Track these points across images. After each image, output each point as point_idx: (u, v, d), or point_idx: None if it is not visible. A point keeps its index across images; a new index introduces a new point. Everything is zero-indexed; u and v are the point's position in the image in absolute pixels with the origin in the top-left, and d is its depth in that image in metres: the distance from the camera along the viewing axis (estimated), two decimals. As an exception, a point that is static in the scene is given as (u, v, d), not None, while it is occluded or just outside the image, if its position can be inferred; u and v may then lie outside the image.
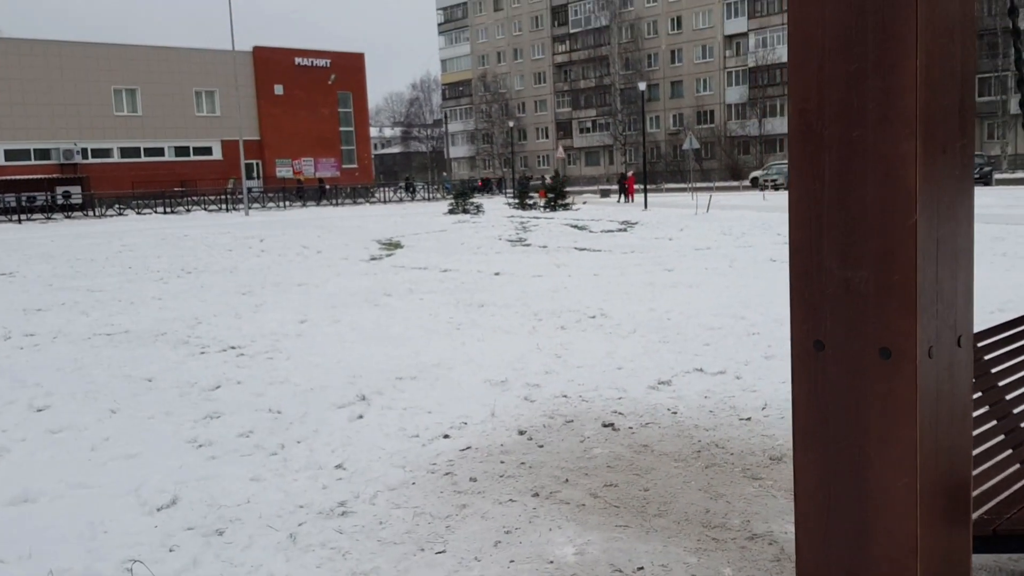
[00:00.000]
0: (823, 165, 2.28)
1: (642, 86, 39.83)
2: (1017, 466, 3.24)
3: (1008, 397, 3.39)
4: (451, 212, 36.28)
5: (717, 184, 58.07)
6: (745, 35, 74.05)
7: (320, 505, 4.47)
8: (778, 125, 71.62)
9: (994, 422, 3.29)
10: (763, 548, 3.77)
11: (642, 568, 3.61)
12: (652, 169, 65.86)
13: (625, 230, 23.18)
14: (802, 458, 2.41)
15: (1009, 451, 3.25)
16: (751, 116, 73.10)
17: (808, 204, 2.32)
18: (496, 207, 42.00)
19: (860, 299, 2.24)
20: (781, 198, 40.88)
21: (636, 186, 46.34)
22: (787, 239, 11.79)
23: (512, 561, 3.73)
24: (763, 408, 5.81)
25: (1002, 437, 3.27)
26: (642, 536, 3.93)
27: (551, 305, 10.61)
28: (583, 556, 3.74)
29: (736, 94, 75.00)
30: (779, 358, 7.19)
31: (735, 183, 64.04)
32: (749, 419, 5.59)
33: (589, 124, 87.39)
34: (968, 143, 2.28)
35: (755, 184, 55.47)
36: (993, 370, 3.41)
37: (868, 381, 2.25)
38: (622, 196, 45.90)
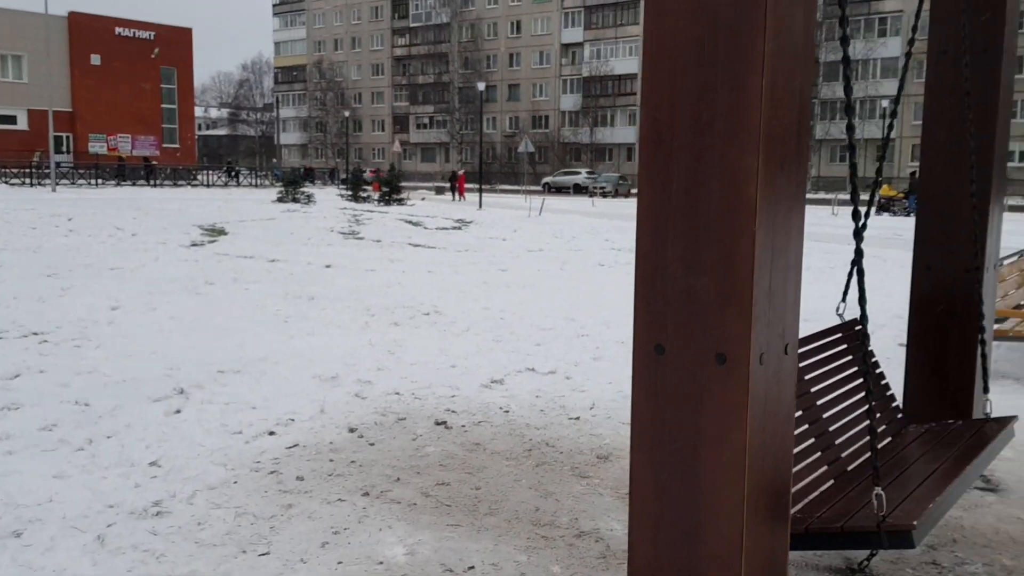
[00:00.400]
0: (672, 174, 2.34)
1: (481, 86, 40.15)
2: (825, 468, 3.47)
3: (819, 403, 3.63)
4: (280, 200, 35.11)
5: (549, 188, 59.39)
6: (581, 45, 76.20)
7: (132, 505, 4.18)
8: (608, 135, 74.16)
9: (806, 426, 3.50)
10: (590, 545, 3.85)
11: (473, 567, 3.60)
12: (487, 170, 66.61)
13: (460, 228, 23.26)
14: (639, 458, 2.47)
15: (818, 454, 3.48)
16: (583, 124, 75.27)
17: (656, 211, 2.37)
18: (328, 198, 41.08)
19: (700, 306, 2.31)
20: (610, 205, 42.37)
21: (470, 185, 46.67)
22: (613, 246, 12.31)
23: (340, 562, 3.62)
24: (591, 408, 5.96)
25: (812, 440, 3.49)
26: (473, 535, 3.92)
27: (384, 301, 10.47)
28: (414, 556, 3.69)
29: (570, 101, 77.02)
30: (606, 360, 7.41)
31: (566, 187, 65.70)
32: (578, 418, 5.72)
33: (426, 120, 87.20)
34: (803, 161, 2.41)
35: (547, 189, 57.71)
36: (805, 377, 3.64)
37: (704, 385, 2.32)
38: (454, 194, 46.18)
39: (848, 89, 2.69)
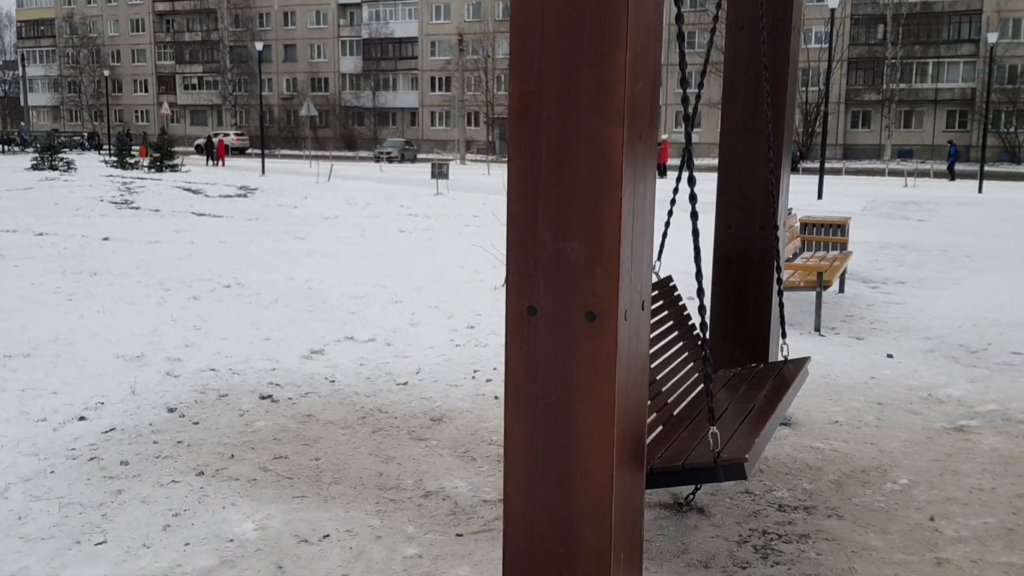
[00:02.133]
0: (541, 144, 2.45)
1: (259, 46, 38.35)
2: (655, 415, 3.77)
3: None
4: (35, 168, 32.06)
5: (334, 153, 58.20)
6: (359, 6, 74.59)
7: (-65, 506, 3.81)
8: (391, 99, 73.40)
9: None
10: (438, 504, 3.96)
11: (328, 535, 3.61)
12: (266, 134, 64.03)
13: (245, 196, 22.34)
14: (512, 414, 2.60)
15: (649, 401, 3.77)
16: (365, 88, 74.01)
17: (526, 180, 2.49)
18: (90, 165, 37.99)
19: (570, 268, 2.46)
20: (397, 170, 42.16)
21: (251, 151, 44.74)
22: (410, 211, 12.52)
23: (187, 544, 3.51)
24: (417, 373, 6.04)
25: (644, 389, 3.77)
26: (322, 504, 3.92)
27: (178, 274, 9.95)
28: (265, 530, 3.64)
29: (350, 64, 75.37)
30: (424, 325, 7.51)
31: (351, 153, 64.67)
32: (406, 383, 5.79)
33: (195, 81, 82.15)
34: (654, 131, 2.61)
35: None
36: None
37: (575, 342, 2.48)
38: (209, 160, 44.13)
39: (683, 63, 2.92)
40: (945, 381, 5.90)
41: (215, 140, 44.84)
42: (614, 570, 2.56)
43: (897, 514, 3.84)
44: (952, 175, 39.40)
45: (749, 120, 4.71)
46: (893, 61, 56.58)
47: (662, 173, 38.30)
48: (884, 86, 57.19)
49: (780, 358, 4.58)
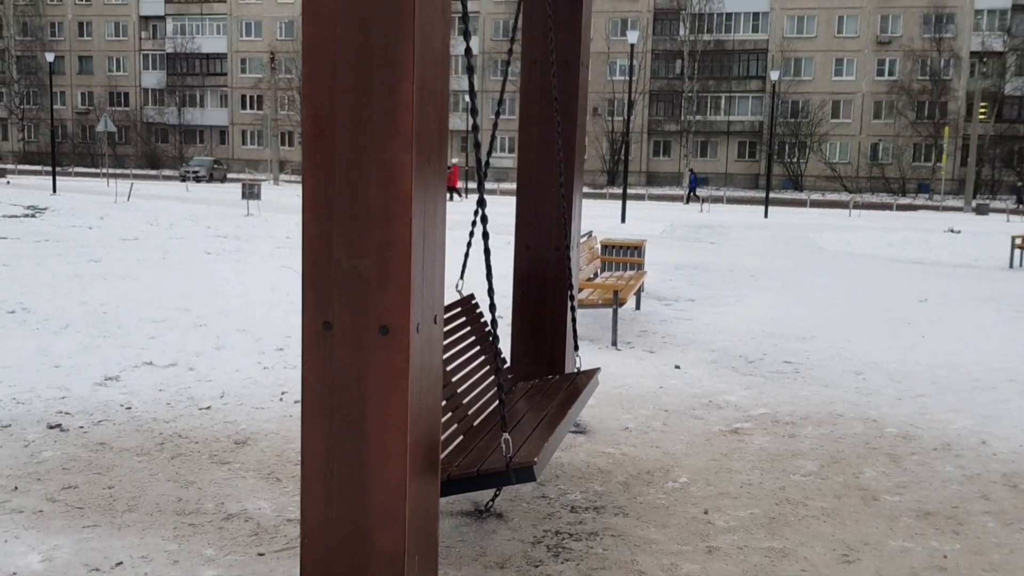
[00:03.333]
0: (334, 167, 2.57)
1: (50, 57, 35.91)
2: (456, 426, 3.94)
3: (448, 368, 4.09)
4: None
5: (134, 172, 55.19)
6: (163, 18, 71.37)
7: None
8: (198, 115, 70.57)
9: (439, 390, 3.94)
10: (240, 525, 3.94)
11: (121, 563, 3.51)
12: (59, 150, 59.73)
13: (34, 215, 20.81)
14: (310, 430, 2.69)
15: (450, 413, 3.94)
16: (170, 103, 70.75)
17: (321, 201, 2.60)
18: None
19: (364, 284, 2.59)
20: (206, 190, 40.57)
21: (41, 168, 41.57)
22: (218, 233, 12.27)
23: (-37, 582, 3.32)
24: (221, 396, 5.92)
25: (444, 401, 3.94)
26: (115, 533, 3.80)
27: (-46, 298, 9.19)
28: (52, 562, 3.49)
29: (153, 79, 71.83)
30: (230, 348, 7.34)
31: (154, 172, 61.55)
32: (209, 408, 5.67)
33: (-24, 92, 75.56)
34: (444, 155, 2.78)
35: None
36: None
37: (370, 355, 2.61)
38: None
39: (472, 94, 3.13)
40: (724, 389, 6.45)
41: None
42: (408, 573, 2.68)
43: (676, 509, 4.20)
44: (688, 200, 42.94)
45: (543, 147, 5.01)
46: (690, 94, 60.58)
47: (451, 196, 39.40)
48: (682, 117, 61.07)
49: (575, 369, 4.88)
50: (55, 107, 69.73)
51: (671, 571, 3.56)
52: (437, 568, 3.01)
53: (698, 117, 61.17)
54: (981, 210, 39.58)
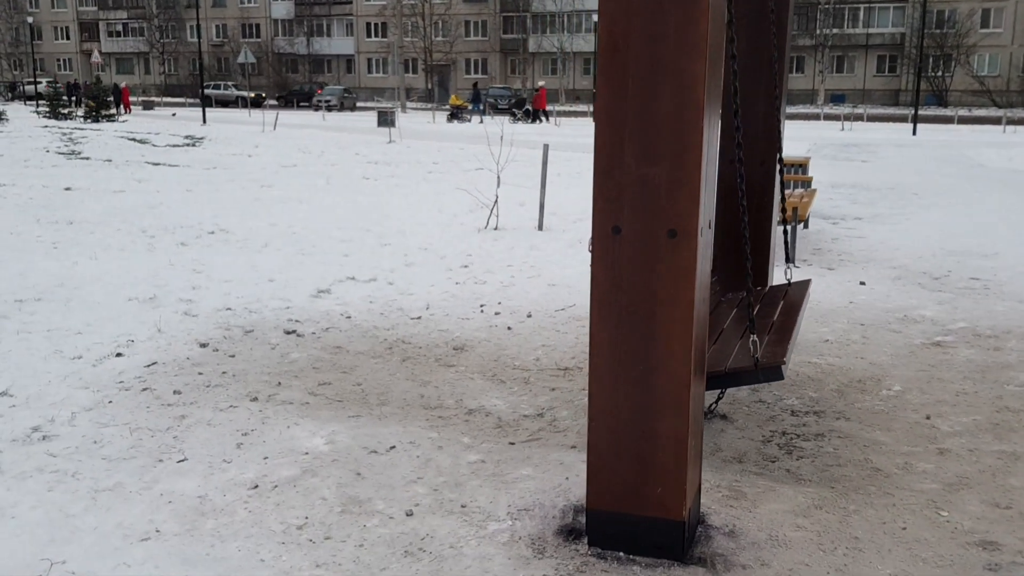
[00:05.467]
0: (627, 79, 2.76)
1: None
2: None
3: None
4: (-37, 118, 30.84)
5: (271, 102, 57.06)
6: (290, -50, 72.51)
7: (9, 433, 4.01)
8: (326, 45, 71.95)
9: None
10: (483, 419, 4.30)
11: (394, 447, 3.93)
12: (196, 82, 62.22)
13: (194, 145, 22.00)
14: (598, 323, 2.94)
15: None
16: (298, 33, 72.32)
17: (613, 111, 2.80)
18: (21, 115, 36.68)
19: (654, 190, 2.79)
20: (339, 119, 41.61)
21: (188, 101, 43.37)
22: (368, 159, 12.76)
23: (266, 458, 3.80)
24: (427, 308, 6.33)
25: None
26: (378, 422, 4.23)
27: (156, 221, 9.99)
28: (335, 444, 3.94)
29: (282, 9, 73.41)
30: (419, 265, 7.77)
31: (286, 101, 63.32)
32: (420, 318, 6.08)
33: (120, 28, 79.16)
34: (723, 68, 2.92)
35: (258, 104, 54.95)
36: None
37: (658, 256, 2.82)
38: (118, 108, 39.81)
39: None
40: (916, 304, 6.43)
41: (120, 87, 43.21)
42: (690, 459, 2.94)
43: (896, 415, 4.32)
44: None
45: (752, 58, 5.05)
46: (826, 6, 57.54)
47: (535, 118, 38.95)
48: (818, 31, 58.20)
49: (785, 281, 4.99)
50: (190, 39, 72.47)
51: (906, 468, 3.71)
52: (702, 455, 3.26)
53: (835, 30, 58.14)
54: None
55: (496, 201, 9.95)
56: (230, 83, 60.23)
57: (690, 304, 2.83)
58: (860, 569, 2.92)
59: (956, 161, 19.48)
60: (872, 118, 43.35)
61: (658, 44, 2.72)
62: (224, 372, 4.90)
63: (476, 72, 67.63)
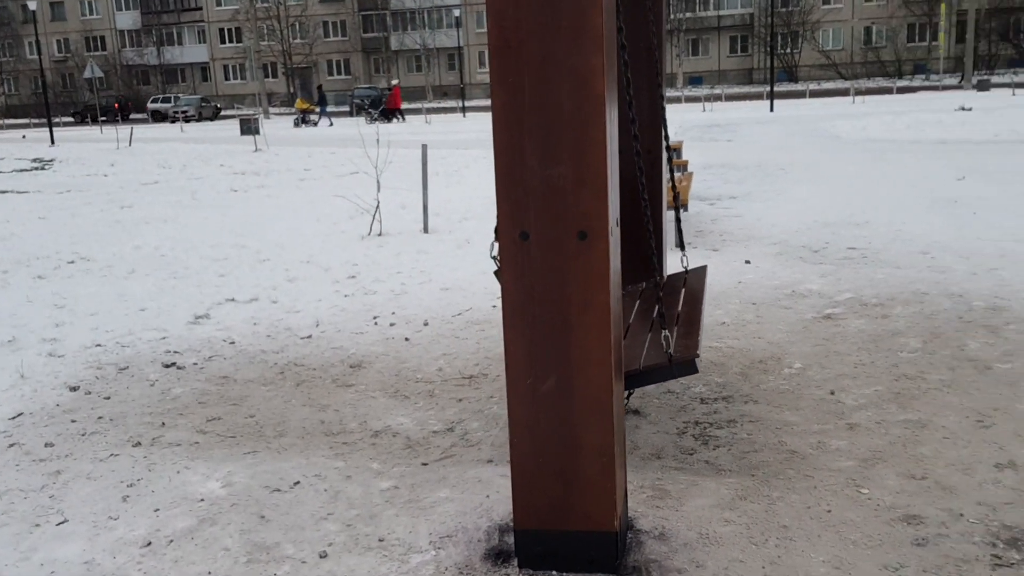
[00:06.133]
0: (523, 76, 2.61)
1: (32, 4, 34.59)
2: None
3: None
4: None
5: (120, 116, 54.39)
6: (131, -44, 69.23)
7: None
8: (178, 54, 69.16)
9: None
10: (391, 441, 4.09)
11: (298, 482, 3.67)
12: (39, 101, 58.70)
13: (44, 168, 20.64)
14: (512, 334, 2.79)
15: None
16: (148, 44, 69.21)
17: (510, 111, 2.64)
18: None
19: (560, 191, 2.65)
20: (200, 130, 40.04)
21: (27, 120, 40.89)
22: (235, 170, 12.26)
23: (157, 510, 3.48)
24: (317, 325, 6.04)
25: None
26: (278, 457, 3.95)
27: (8, 254, 9.25)
28: (233, 486, 3.65)
29: (128, 19, 70.09)
30: (302, 279, 7.44)
31: (140, 115, 60.60)
32: (310, 337, 5.79)
33: (-52, 47, 73.76)
34: (617, 60, 2.81)
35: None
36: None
37: (569, 260, 2.69)
38: None
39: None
40: (802, 278, 6.58)
41: None
42: (617, 466, 2.83)
43: (802, 392, 4.35)
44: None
45: (633, 46, 5.00)
46: (678, -9, 59.29)
47: (391, 117, 38.96)
48: (671, 15, 59.85)
49: (682, 269, 4.98)
50: (30, 56, 68.23)
51: (820, 448, 3.72)
52: (626, 459, 3.16)
53: (688, 14, 59.96)
54: (983, 86, 39.18)
55: (378, 206, 9.67)
56: (179, 95, 56.73)
57: (606, 307, 2.71)
58: (794, 559, 2.88)
59: (814, 134, 20.34)
60: (730, 97, 44.96)
61: (552, 38, 2.57)
62: (100, 417, 4.50)
63: (340, 73, 66.46)
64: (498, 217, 2.73)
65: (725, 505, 3.26)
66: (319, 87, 44.53)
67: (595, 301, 2.71)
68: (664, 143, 4.96)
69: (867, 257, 7.21)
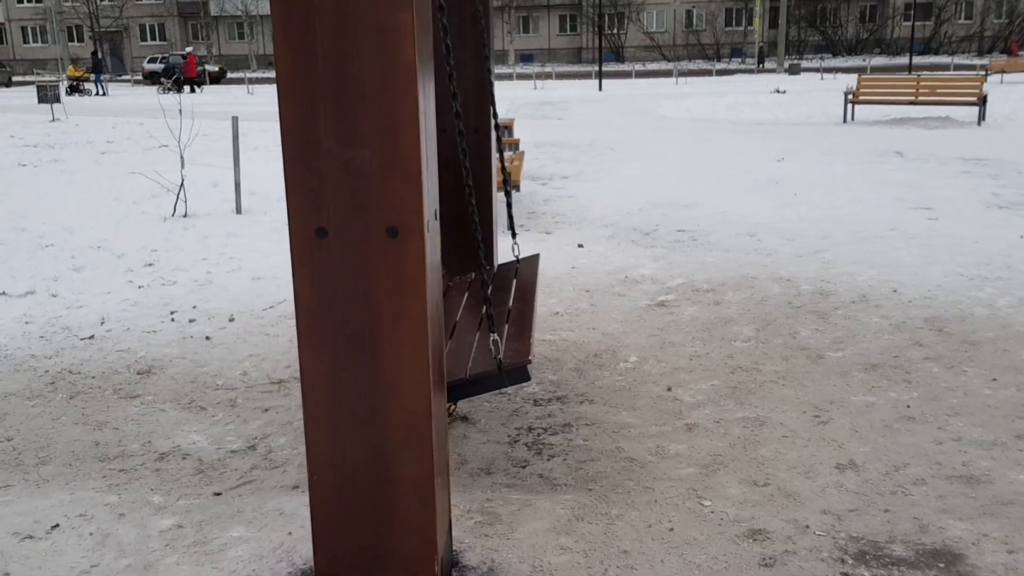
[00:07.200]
0: (315, 36, 2.12)
1: None
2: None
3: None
4: None
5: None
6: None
7: None
8: (-34, 12, 62.60)
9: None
10: (179, 464, 3.51)
11: (57, 524, 3.04)
12: None
13: None
14: (308, 353, 2.31)
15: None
16: (-71, -1, 62.16)
17: (301, 80, 2.16)
18: None
19: (364, 179, 2.19)
20: (-11, 96, 36.33)
21: None
22: (26, 142, 11.02)
23: None
24: (102, 323, 5.28)
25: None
26: (35, 491, 3.29)
27: None
28: (-29, 536, 2.97)
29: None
30: (90, 268, 6.56)
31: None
32: (92, 337, 5.03)
33: None
34: (433, 22, 2.37)
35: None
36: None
37: (376, 262, 2.24)
38: None
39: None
40: (634, 263, 6.39)
41: None
42: (438, 500, 2.41)
43: (638, 390, 4.10)
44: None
45: (459, 16, 4.56)
46: (509, -32, 59.26)
47: (184, 87, 37.40)
48: (502, -7, 59.83)
49: (513, 258, 4.62)
50: None
51: (659, 453, 3.46)
52: (450, 488, 2.75)
53: (518, -8, 60.12)
54: (794, 70, 41.40)
55: (182, 183, 8.78)
56: (177, 52, 49.36)
57: (422, 316, 2.27)
58: (637, 592, 2.58)
59: (641, 114, 20.66)
60: (560, 76, 45.45)
61: (348, -10, 2.09)
62: None
63: (154, 39, 62.28)
64: (288, 210, 2.23)
65: (561, 528, 2.91)
66: (93, 53, 41.35)
67: (409, 310, 2.27)
68: (493, 121, 4.57)
69: (696, 240, 7.14)
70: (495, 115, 4.39)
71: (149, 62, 47.58)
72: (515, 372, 2.99)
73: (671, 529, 2.91)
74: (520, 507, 3.06)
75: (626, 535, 2.87)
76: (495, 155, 4.96)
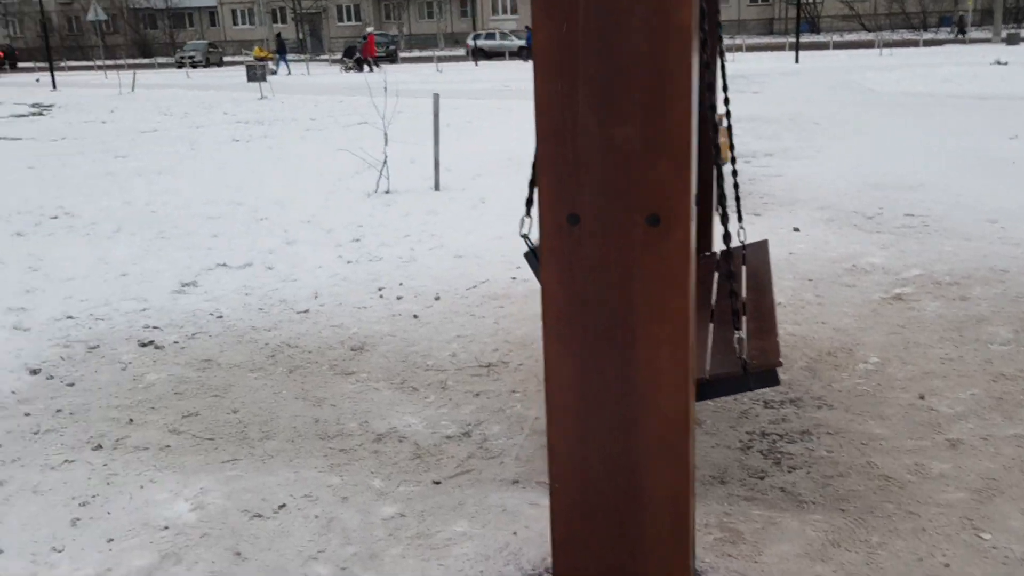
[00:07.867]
0: (578, 3, 1.89)
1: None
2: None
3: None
4: None
5: (128, 61, 53.37)
6: None
7: None
8: (185, -2, 67.69)
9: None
10: (396, 448, 3.44)
11: (284, 505, 3.03)
12: (43, 45, 57.52)
13: (42, 114, 19.90)
14: (556, 348, 2.11)
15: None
16: (154, -13, 67.69)
17: (560, 52, 1.93)
18: None
19: (624, 161, 1.95)
20: (205, 75, 39.10)
21: (33, 64, 40.05)
22: (238, 119, 11.31)
23: (111, 540, 2.84)
24: (316, 298, 5.37)
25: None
26: (262, 468, 3.31)
27: (-11, 207, 8.58)
28: (204, 509, 3.01)
29: (132, -38, 68.48)
30: (301, 242, 6.75)
31: (147, 60, 59.52)
32: (307, 311, 5.12)
33: (-48, -12, 72.31)
34: (705, -18, 2.08)
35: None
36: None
37: (634, 253, 1.99)
38: None
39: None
40: (860, 250, 5.85)
41: None
42: (691, 519, 2.17)
43: (885, 396, 3.67)
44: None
45: None
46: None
47: (363, 66, 37.91)
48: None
49: (739, 243, 4.28)
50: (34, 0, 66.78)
51: (920, 472, 3.05)
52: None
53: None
54: (1012, 40, 37.68)
55: (385, 160, 8.93)
56: (506, 31, 52.71)
57: (683, 314, 2.02)
58: (914, 639, 2.23)
59: (845, 87, 19.37)
60: (751, 48, 43.60)
61: (622, -55, 1.85)
62: (59, 410, 3.86)
63: (350, 19, 64.95)
64: (539, 193, 2.03)
65: (815, 554, 2.59)
66: (278, 35, 43.15)
67: (669, 308, 2.02)
68: (710, 99, 4.22)
69: (928, 226, 6.47)
70: (726, 88, 4.04)
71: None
72: (763, 375, 2.68)
73: (947, 565, 2.52)
74: (764, 525, 2.76)
75: (893, 569, 2.52)
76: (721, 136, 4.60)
